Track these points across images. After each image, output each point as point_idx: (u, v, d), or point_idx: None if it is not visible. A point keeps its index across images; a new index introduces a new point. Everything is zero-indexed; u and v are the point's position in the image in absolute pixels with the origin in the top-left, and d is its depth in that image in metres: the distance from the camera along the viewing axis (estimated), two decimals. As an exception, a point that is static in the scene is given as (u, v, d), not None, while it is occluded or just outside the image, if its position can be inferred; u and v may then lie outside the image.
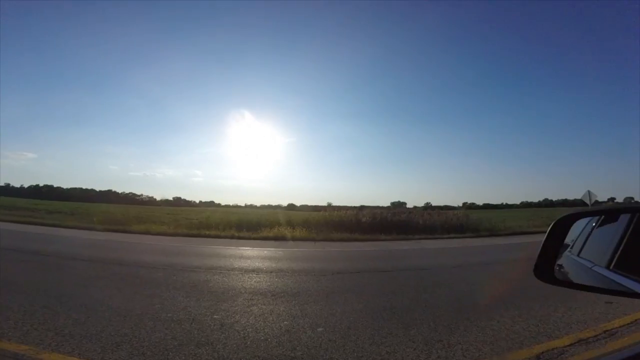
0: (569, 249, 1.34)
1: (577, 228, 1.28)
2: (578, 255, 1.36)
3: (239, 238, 14.00)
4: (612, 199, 41.16)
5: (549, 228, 1.16)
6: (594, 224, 1.34)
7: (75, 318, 3.69)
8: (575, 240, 1.37)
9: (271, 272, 6.91)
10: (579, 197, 20.94)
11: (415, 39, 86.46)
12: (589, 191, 19.35)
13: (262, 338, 3.35)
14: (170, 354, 2.91)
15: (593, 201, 19.29)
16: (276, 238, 13.96)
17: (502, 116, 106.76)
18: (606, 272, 1.12)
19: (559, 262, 1.22)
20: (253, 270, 7.01)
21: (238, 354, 2.96)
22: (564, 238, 1.22)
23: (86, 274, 6.34)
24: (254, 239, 13.86)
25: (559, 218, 1.19)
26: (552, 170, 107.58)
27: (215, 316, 3.97)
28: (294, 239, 14.08)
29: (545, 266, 1.15)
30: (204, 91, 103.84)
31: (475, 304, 4.55)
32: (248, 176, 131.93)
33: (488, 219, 19.84)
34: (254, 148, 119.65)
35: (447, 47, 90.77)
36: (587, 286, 1.18)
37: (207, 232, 14.88)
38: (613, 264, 1.11)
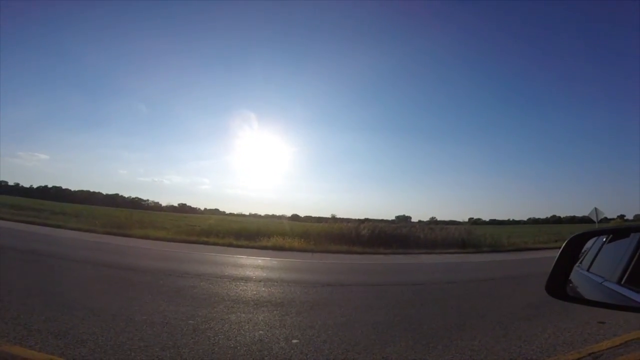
0: (578, 263, 1.35)
1: (587, 243, 1.31)
2: (588, 270, 1.36)
3: (237, 246, 13.96)
4: (622, 216, 40.21)
5: (562, 246, 1.19)
6: (604, 239, 1.34)
7: (49, 315, 3.67)
8: (585, 255, 1.38)
9: (260, 281, 6.81)
10: (587, 213, 20.56)
11: (425, 54, 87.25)
12: (595, 208, 18.96)
13: (232, 345, 3.26)
14: (133, 353, 2.86)
15: (600, 218, 18.86)
16: (274, 248, 13.86)
17: (510, 132, 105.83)
18: (618, 288, 1.12)
19: (570, 277, 1.23)
20: (241, 279, 6.92)
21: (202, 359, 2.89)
22: (577, 256, 1.26)
23: (74, 274, 6.36)
24: (252, 247, 13.80)
25: (572, 236, 1.22)
26: (560, 187, 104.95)
27: (190, 321, 3.89)
28: (291, 249, 13.95)
29: (558, 283, 1.18)
30: (214, 101, 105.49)
31: (461, 322, 4.37)
32: (254, 186, 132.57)
33: (492, 235, 19.48)
34: (260, 158, 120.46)
35: (455, 63, 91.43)
36: (599, 302, 1.16)
37: (205, 239, 14.88)
38: (625, 279, 1.10)
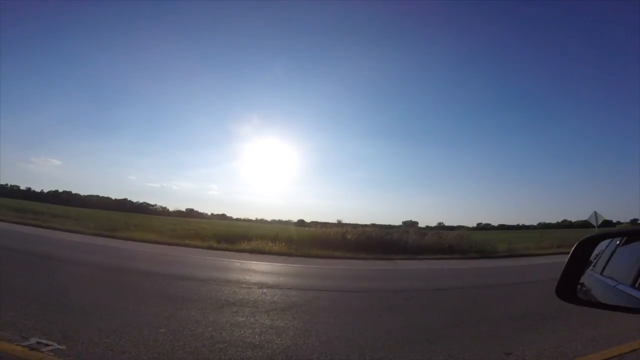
0: (591, 267, 1.34)
1: (600, 246, 1.29)
2: (601, 273, 1.34)
3: (216, 249, 14.06)
4: (635, 220, 38.68)
5: (572, 249, 1.18)
6: (617, 242, 1.33)
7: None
8: (598, 259, 1.37)
9: (201, 280, 6.86)
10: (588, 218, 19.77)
11: (433, 60, 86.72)
12: (595, 212, 18.27)
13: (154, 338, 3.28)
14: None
15: (600, 222, 18.12)
16: (251, 251, 13.87)
17: (520, 137, 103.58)
18: (632, 291, 1.10)
19: (581, 280, 1.23)
20: (188, 278, 6.99)
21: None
22: (587, 259, 1.25)
23: (39, 269, 6.76)
24: (230, 250, 13.85)
25: (583, 239, 1.21)
26: (571, 191, 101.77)
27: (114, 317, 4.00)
28: (269, 252, 13.93)
29: (568, 286, 1.17)
30: (223, 107, 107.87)
31: (410, 336, 3.96)
32: (262, 192, 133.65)
33: (486, 241, 18.93)
34: (269, 164, 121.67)
35: (462, 69, 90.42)
36: (612, 306, 1.14)
37: (188, 242, 15.07)
38: (639, 282, 1.09)
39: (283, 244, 15.36)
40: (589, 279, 1.29)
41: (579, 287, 1.20)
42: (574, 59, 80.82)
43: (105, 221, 22.87)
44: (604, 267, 1.34)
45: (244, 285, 6.53)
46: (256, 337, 3.66)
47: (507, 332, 4.19)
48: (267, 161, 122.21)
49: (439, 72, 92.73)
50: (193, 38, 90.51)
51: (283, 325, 4.13)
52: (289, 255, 13.60)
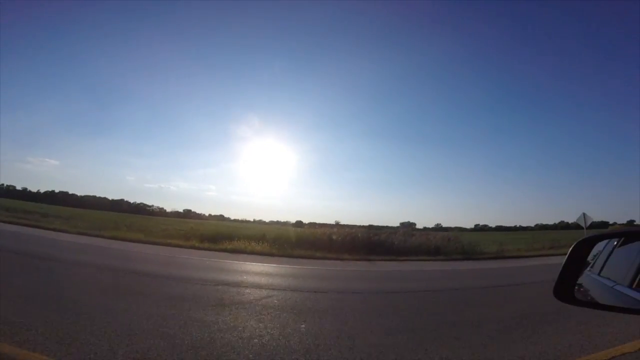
0: (589, 267, 1.36)
1: (597, 247, 1.30)
2: (599, 274, 1.35)
3: (197, 248, 14.09)
4: (632, 221, 38.61)
5: (570, 249, 1.19)
6: (615, 243, 1.34)
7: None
8: (596, 260, 1.38)
9: (159, 276, 6.93)
10: (596, 219, 19.67)
11: (430, 62, 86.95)
12: (584, 214, 18.24)
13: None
14: None
15: (588, 224, 18.07)
16: (233, 251, 13.89)
17: (519, 138, 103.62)
18: (629, 291, 1.11)
19: (579, 281, 1.24)
20: (147, 274, 7.10)
21: None
22: (585, 260, 1.26)
23: (6, 263, 6.87)
24: (212, 250, 13.88)
25: (581, 239, 1.22)
26: (570, 192, 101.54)
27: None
28: (251, 252, 13.94)
29: (565, 287, 1.19)
30: (221, 108, 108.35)
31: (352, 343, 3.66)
32: (261, 193, 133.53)
33: (481, 242, 18.89)
34: (267, 165, 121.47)
35: (461, 71, 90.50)
36: (609, 306, 1.15)
37: (170, 241, 15.10)
38: (637, 282, 1.10)
39: (266, 244, 15.37)
40: (587, 279, 1.30)
41: (576, 287, 1.21)
42: (570, 60, 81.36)
43: (95, 221, 22.94)
44: (602, 268, 1.35)
45: (198, 283, 6.50)
46: (179, 329, 3.66)
47: (446, 339, 4.03)
48: (266, 162, 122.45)
49: (437, 74, 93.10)
50: (191, 38, 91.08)
51: (212, 321, 4.10)
52: (270, 255, 13.60)
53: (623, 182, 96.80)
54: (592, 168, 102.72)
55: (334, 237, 16.98)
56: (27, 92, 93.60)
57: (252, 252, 13.97)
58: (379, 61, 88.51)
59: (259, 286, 6.74)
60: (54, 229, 16.45)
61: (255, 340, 3.51)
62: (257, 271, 9.10)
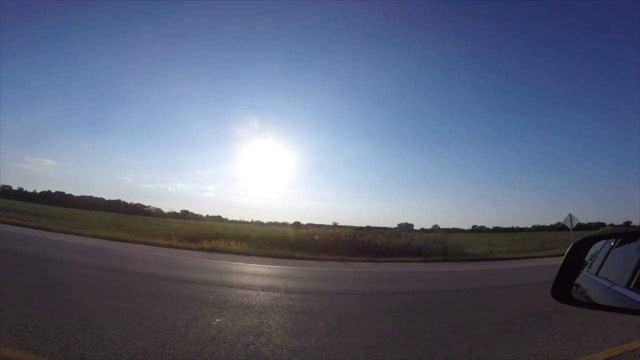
0: (586, 268, 1.36)
1: (595, 247, 1.32)
2: (596, 274, 1.36)
3: (176, 247, 14.19)
4: (629, 222, 38.32)
5: (567, 250, 1.20)
6: (612, 244, 1.35)
7: None
8: (593, 260, 1.39)
9: (119, 271, 7.01)
10: (594, 220, 19.50)
11: (429, 63, 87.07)
12: (570, 215, 18.14)
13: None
14: None
15: (575, 225, 17.94)
16: (210, 250, 13.98)
17: (516, 140, 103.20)
18: (626, 292, 1.12)
19: (576, 281, 1.25)
20: (110, 269, 7.26)
21: None
22: (582, 260, 1.27)
23: None
24: (189, 249, 13.97)
25: (578, 240, 1.24)
26: (568, 193, 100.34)
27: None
28: (228, 251, 14.00)
29: (563, 287, 1.19)
30: (220, 109, 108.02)
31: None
32: (259, 194, 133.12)
33: (458, 244, 18.79)
34: (265, 167, 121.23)
35: (458, 73, 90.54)
36: (607, 306, 1.16)
37: (151, 240, 15.24)
38: (633, 283, 1.11)
39: (245, 244, 15.43)
40: (584, 280, 1.31)
41: (574, 288, 1.22)
42: (567, 62, 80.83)
43: (85, 221, 23.14)
44: (599, 268, 1.36)
45: (160, 279, 6.59)
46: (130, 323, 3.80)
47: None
48: (264, 163, 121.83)
49: (435, 75, 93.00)
50: (190, 39, 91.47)
51: (146, 314, 4.20)
52: (248, 254, 13.67)
53: (620, 184, 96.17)
54: (590, 169, 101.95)
55: (316, 237, 17.04)
56: (26, 92, 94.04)
57: (229, 252, 14.03)
58: (377, 62, 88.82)
59: (212, 283, 6.77)
60: (38, 228, 16.61)
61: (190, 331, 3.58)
62: (223, 270, 9.17)
